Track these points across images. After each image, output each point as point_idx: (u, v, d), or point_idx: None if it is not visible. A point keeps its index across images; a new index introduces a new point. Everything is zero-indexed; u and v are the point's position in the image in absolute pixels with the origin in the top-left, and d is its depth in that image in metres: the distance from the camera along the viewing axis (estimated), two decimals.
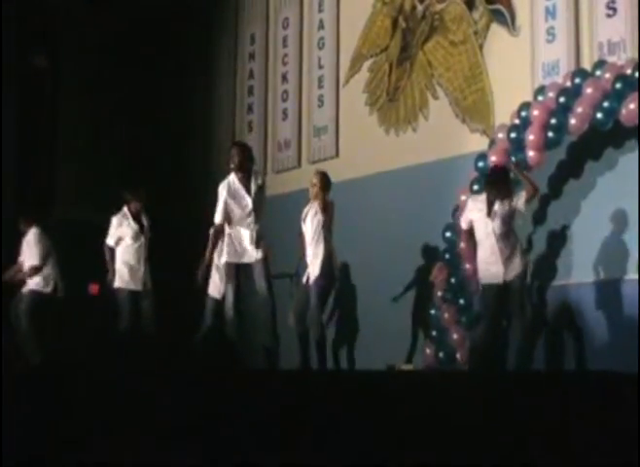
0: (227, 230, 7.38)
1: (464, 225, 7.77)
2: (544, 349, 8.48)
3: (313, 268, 7.64)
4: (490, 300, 7.58)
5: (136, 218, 9.19)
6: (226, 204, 7.35)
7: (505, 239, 7.54)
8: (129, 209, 9.19)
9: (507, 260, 7.49)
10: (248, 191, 7.32)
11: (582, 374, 6.77)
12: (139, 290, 9.07)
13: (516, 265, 7.54)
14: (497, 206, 7.55)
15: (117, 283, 9.07)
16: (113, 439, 3.13)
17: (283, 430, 3.35)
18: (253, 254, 7.26)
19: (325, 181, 7.92)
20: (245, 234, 7.28)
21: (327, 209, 7.76)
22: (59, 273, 9.69)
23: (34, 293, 9.47)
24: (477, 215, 7.61)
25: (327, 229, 7.75)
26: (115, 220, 9.16)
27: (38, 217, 9.82)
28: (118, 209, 9.24)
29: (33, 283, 9.51)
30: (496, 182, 7.62)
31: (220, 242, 7.45)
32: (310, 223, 7.75)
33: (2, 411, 3.00)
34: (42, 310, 9.46)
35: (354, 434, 3.36)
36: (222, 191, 7.42)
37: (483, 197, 7.67)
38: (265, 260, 7.31)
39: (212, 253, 7.46)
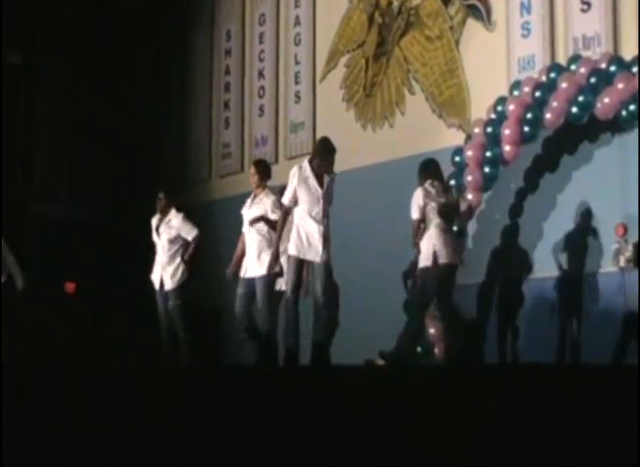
0: (295, 219, 6.88)
1: (416, 214, 7.60)
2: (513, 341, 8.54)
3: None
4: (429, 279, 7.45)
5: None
6: (295, 188, 6.86)
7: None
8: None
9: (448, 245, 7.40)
10: (320, 180, 6.90)
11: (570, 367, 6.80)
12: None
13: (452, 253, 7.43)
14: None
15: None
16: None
17: (275, 428, 3.35)
18: (319, 253, 6.76)
19: (262, 169, 7.65)
20: (313, 228, 6.80)
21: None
22: (16, 269, 9.55)
23: None
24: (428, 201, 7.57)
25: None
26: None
27: None
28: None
29: None
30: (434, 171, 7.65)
31: (287, 231, 6.98)
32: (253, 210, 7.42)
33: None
34: None
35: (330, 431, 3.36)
36: (293, 174, 6.92)
37: (428, 185, 7.60)
38: (327, 262, 6.83)
39: (280, 235, 6.91)
